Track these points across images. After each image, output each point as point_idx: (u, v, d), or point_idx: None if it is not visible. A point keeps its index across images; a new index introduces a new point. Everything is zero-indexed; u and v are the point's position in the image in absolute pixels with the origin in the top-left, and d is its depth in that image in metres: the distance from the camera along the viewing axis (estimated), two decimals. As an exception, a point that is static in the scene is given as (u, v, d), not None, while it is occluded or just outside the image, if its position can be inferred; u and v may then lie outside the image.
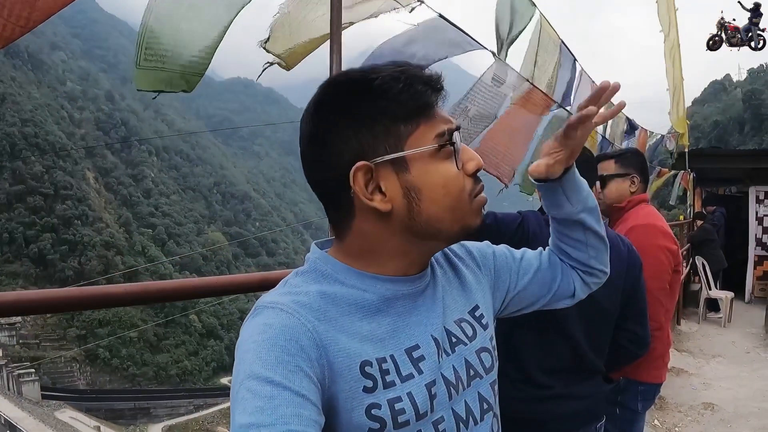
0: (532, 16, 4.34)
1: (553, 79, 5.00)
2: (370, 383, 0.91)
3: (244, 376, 0.81)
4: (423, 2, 3.04)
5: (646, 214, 2.90)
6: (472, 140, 4.01)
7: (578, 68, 5.56)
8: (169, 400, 78.29)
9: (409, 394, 0.94)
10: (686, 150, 12.28)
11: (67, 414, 65.02)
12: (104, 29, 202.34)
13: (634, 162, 3.01)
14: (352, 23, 2.81)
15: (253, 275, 1.98)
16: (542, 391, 2.10)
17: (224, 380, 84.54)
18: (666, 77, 11.21)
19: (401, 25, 3.17)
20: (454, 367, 1.03)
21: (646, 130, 9.49)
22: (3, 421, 55.43)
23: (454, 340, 1.06)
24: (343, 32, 2.49)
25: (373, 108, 0.94)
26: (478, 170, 1.00)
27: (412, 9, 2.98)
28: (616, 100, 1.21)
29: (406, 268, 1.03)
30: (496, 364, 1.13)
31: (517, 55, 4.31)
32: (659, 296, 2.71)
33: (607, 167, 2.96)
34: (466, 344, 1.07)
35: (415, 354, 0.98)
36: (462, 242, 1.24)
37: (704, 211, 12.99)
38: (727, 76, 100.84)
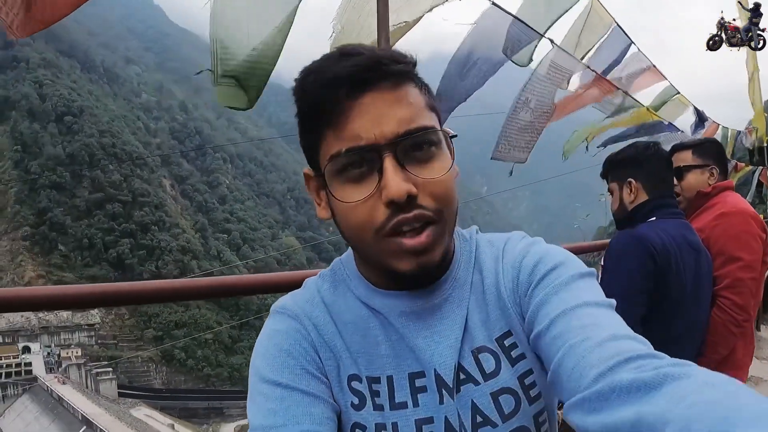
0: None
1: (594, 56, 5.03)
2: (356, 400, 0.86)
3: (256, 380, 0.82)
4: None
5: (735, 201, 2.70)
6: (539, 134, 4.17)
7: (633, 50, 5.53)
8: (242, 400, 79.28)
9: (394, 425, 0.84)
10: (765, 145, 11.33)
11: (143, 411, 66.91)
12: (176, 42, 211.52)
13: (713, 152, 2.82)
14: (406, 22, 2.83)
15: (304, 273, 1.94)
16: None
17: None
18: (746, 67, 10.79)
19: (456, 18, 3.21)
20: (457, 410, 0.85)
21: (717, 124, 8.94)
22: (80, 417, 57.39)
23: (462, 377, 0.86)
24: (397, 30, 2.69)
25: (298, 112, 0.84)
26: (391, 201, 0.77)
27: None
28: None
29: (396, 284, 0.89)
30: (526, 408, 0.86)
31: (556, 35, 4.28)
32: (751, 287, 2.47)
33: (684, 158, 2.80)
34: (477, 383, 0.86)
35: (418, 383, 0.86)
36: (537, 257, 0.90)
37: None
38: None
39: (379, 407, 0.85)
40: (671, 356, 1.00)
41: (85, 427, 55.91)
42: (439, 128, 0.83)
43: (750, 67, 10.76)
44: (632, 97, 5.46)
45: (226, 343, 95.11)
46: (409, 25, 2.85)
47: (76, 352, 73.82)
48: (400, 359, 0.87)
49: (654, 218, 2.22)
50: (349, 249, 0.96)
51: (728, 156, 10.16)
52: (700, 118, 7.98)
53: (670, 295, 2.07)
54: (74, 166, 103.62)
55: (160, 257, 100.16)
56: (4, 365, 66.62)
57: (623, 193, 2.34)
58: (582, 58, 4.67)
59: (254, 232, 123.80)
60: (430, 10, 2.91)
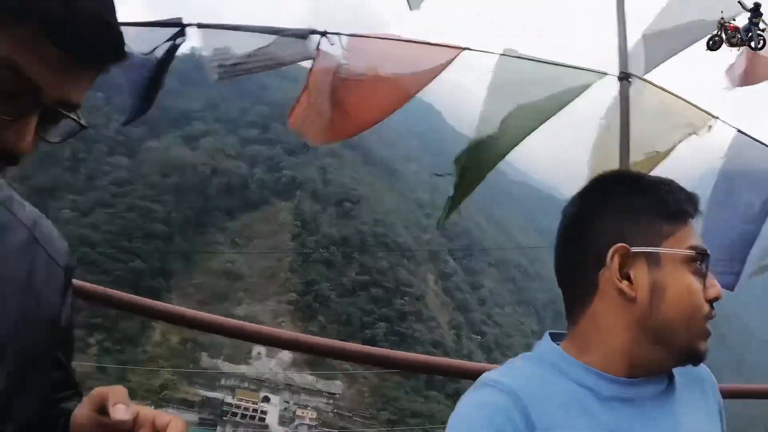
0: None
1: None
2: None
3: None
4: (718, 118, 3.06)
5: None
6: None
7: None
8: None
9: None
10: None
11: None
12: (451, 144, 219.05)
13: None
14: (657, 152, 2.97)
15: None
16: None
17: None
18: None
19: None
20: None
21: None
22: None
23: None
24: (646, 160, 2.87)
25: (640, 201, 0.99)
26: (716, 299, 0.98)
27: (710, 128, 3.05)
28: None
29: (631, 370, 0.99)
30: None
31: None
32: None
33: None
34: None
35: None
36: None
37: None
38: None
39: None
40: None
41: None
42: None
43: None
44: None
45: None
46: (661, 156, 2.92)
47: (311, 414, 77.70)
48: None
49: None
50: (546, 338, 1.10)
51: None
52: None
53: None
54: (346, 247, 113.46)
55: (412, 347, 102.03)
56: (242, 407, 72.90)
57: None
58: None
59: (509, 339, 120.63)
60: (679, 141, 2.96)
